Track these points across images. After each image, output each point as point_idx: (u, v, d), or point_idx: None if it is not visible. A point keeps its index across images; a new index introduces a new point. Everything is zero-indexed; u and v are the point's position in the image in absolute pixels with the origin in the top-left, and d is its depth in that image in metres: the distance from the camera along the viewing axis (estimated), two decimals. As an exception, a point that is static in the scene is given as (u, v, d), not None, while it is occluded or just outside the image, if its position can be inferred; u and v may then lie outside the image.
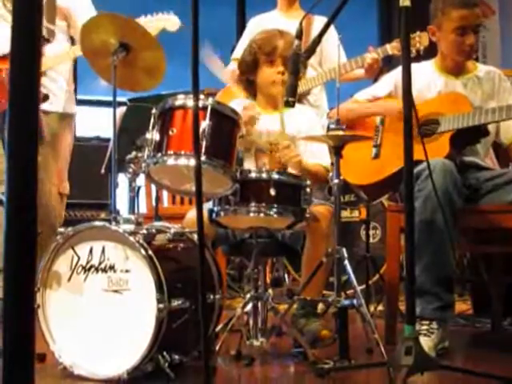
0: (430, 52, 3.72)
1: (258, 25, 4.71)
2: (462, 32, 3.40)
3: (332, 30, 3.70)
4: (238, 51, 4.73)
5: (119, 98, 3.38)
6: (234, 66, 4.72)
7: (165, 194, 5.18)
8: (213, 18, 6.53)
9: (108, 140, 4.68)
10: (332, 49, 4.23)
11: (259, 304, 2.91)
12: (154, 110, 2.77)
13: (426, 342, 2.89)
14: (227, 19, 7.78)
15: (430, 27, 3.55)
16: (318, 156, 3.53)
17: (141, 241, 2.61)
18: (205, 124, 2.62)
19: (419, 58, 3.75)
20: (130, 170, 2.93)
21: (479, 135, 3.37)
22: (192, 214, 3.31)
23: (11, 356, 1.02)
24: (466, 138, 3.34)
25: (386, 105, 3.59)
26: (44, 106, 3.88)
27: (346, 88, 3.38)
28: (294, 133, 3.49)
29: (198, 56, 1.38)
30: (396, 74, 3.61)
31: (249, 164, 3.39)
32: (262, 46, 3.51)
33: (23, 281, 1.02)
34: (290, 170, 3.20)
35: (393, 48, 4.10)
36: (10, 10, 3.36)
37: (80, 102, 7.68)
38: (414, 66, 2.48)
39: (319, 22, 4.30)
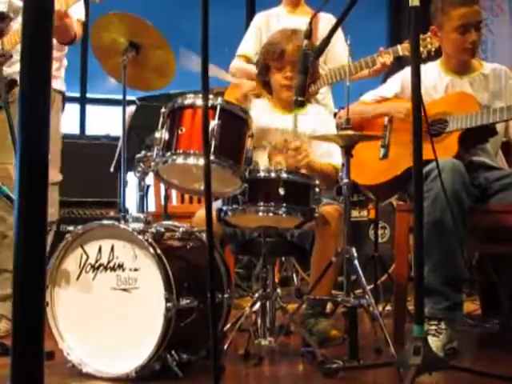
0: (436, 53, 3.71)
1: (263, 21, 4.72)
2: (464, 30, 3.39)
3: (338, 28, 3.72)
4: (242, 48, 4.74)
5: (128, 97, 3.39)
6: (238, 61, 4.72)
7: (174, 193, 5.18)
8: (223, 18, 6.55)
9: (117, 138, 4.69)
10: (338, 48, 4.23)
11: (267, 303, 2.91)
12: (163, 109, 2.78)
13: (435, 342, 2.89)
14: (237, 19, 7.79)
15: (431, 28, 3.54)
16: (329, 155, 3.54)
17: (150, 239, 2.61)
18: (214, 123, 2.62)
19: (428, 59, 3.74)
20: (140, 169, 2.93)
21: (488, 134, 3.36)
22: (201, 212, 3.31)
23: (20, 354, 1.02)
24: (475, 137, 3.33)
25: (394, 105, 3.58)
26: None
27: (354, 88, 3.37)
28: (309, 132, 3.50)
29: (208, 55, 1.38)
30: (402, 75, 3.61)
31: (262, 162, 3.39)
32: (270, 51, 3.53)
33: (33, 278, 1.02)
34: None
35: (404, 49, 4.09)
36: None
37: (90, 101, 7.75)
38: (421, 68, 2.47)
39: (325, 19, 4.30)
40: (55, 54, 3.83)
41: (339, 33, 3.89)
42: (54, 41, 3.71)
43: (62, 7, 3.36)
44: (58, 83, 3.82)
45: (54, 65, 3.80)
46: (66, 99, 3.94)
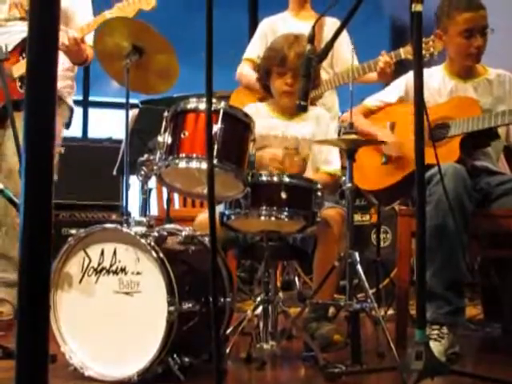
0: (440, 57, 3.72)
1: (269, 26, 4.73)
2: (469, 35, 3.39)
3: (344, 32, 3.70)
4: (249, 52, 4.76)
5: (131, 100, 3.39)
6: (245, 66, 4.74)
7: (176, 196, 5.18)
8: (226, 21, 6.56)
9: (120, 141, 4.70)
10: (344, 51, 4.24)
11: (270, 307, 2.91)
12: (165, 113, 2.78)
13: (437, 347, 2.89)
14: (240, 22, 7.80)
15: (436, 32, 3.54)
16: (328, 161, 3.54)
17: (152, 243, 2.61)
18: (217, 127, 2.62)
19: (430, 62, 3.74)
20: (142, 173, 2.93)
21: (489, 138, 3.36)
22: (202, 216, 3.31)
23: (25, 357, 1.02)
24: (477, 141, 3.33)
25: (385, 133, 3.56)
26: None
27: (357, 91, 3.37)
28: (309, 138, 3.50)
29: (212, 59, 1.39)
30: (406, 78, 3.61)
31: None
32: (272, 56, 3.51)
33: (38, 281, 1.03)
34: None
35: (406, 52, 4.09)
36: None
37: (92, 104, 7.77)
38: (425, 71, 2.47)
39: (330, 23, 4.32)
40: (69, 74, 4.20)
41: (345, 35, 3.89)
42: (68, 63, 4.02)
43: (79, 35, 3.71)
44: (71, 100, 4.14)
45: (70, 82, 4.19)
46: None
